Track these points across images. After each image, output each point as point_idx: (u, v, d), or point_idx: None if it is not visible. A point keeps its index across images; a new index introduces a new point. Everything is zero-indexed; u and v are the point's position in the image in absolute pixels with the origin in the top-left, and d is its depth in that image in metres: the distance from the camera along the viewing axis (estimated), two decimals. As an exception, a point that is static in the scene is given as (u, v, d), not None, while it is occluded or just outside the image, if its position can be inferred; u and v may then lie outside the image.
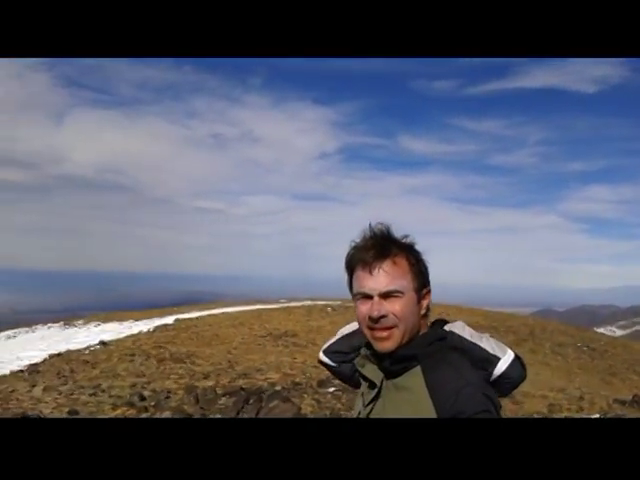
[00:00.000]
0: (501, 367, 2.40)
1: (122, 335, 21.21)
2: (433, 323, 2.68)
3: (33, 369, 13.40)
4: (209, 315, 26.20)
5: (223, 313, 26.03)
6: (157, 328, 22.33)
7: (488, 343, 2.50)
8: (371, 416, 1.47)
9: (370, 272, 1.42)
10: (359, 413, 1.54)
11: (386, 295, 1.42)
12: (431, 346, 1.46)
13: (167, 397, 8.39)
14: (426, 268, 1.51)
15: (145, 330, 22.12)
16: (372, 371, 1.50)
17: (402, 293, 1.42)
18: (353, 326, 1.90)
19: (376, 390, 1.48)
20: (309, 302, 29.97)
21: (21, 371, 13.45)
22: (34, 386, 10.01)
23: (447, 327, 2.58)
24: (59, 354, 16.37)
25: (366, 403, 1.50)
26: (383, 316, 1.41)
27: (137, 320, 28.66)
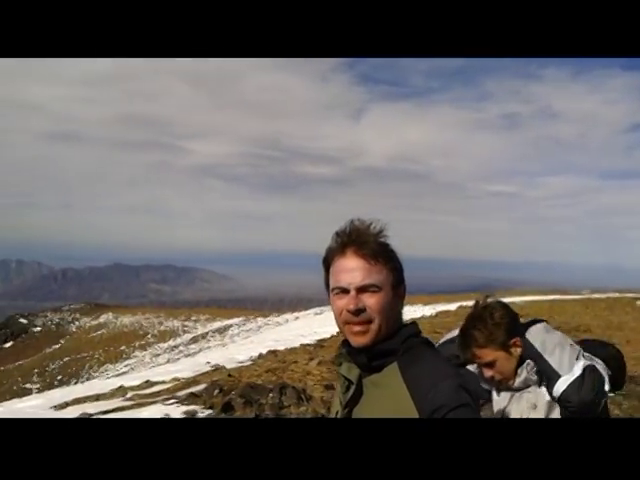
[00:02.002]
0: (559, 387, 2.01)
1: (405, 318, 21.91)
2: (527, 324, 2.27)
3: (319, 344, 14.71)
4: (494, 303, 25.34)
5: (510, 302, 24.92)
6: (439, 314, 22.56)
7: (559, 356, 2.07)
8: (352, 415, 1.47)
9: (347, 267, 1.44)
10: (337, 413, 1.53)
11: (363, 289, 1.42)
12: (406, 342, 1.45)
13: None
14: (401, 265, 1.52)
15: (428, 315, 22.50)
16: (349, 369, 1.49)
17: (379, 288, 1.43)
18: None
19: (354, 388, 1.47)
20: (616, 294, 27.12)
21: (309, 344, 14.91)
22: (312, 359, 10.88)
23: (527, 335, 2.14)
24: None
25: (345, 402, 1.48)
26: (360, 310, 1.41)
27: (425, 304, 29.55)
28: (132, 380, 11.51)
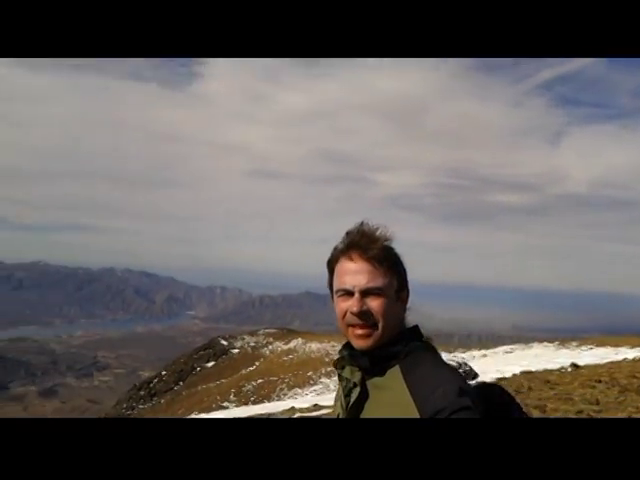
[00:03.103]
0: None
1: (605, 360, 19.77)
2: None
3: (497, 382, 13.84)
4: None
5: None
6: (644, 357, 19.86)
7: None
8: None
9: (352, 270, 1.45)
10: (338, 415, 1.54)
11: (367, 293, 1.43)
12: (409, 345, 1.46)
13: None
14: (405, 271, 1.52)
15: (631, 358, 19.99)
16: (352, 372, 1.49)
17: (382, 291, 1.44)
18: None
19: (358, 391, 1.46)
20: None
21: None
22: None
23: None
24: (530, 372, 16.43)
25: (347, 405, 1.48)
26: (363, 313, 1.42)
27: (633, 347, 26.15)
28: (304, 403, 12.00)
